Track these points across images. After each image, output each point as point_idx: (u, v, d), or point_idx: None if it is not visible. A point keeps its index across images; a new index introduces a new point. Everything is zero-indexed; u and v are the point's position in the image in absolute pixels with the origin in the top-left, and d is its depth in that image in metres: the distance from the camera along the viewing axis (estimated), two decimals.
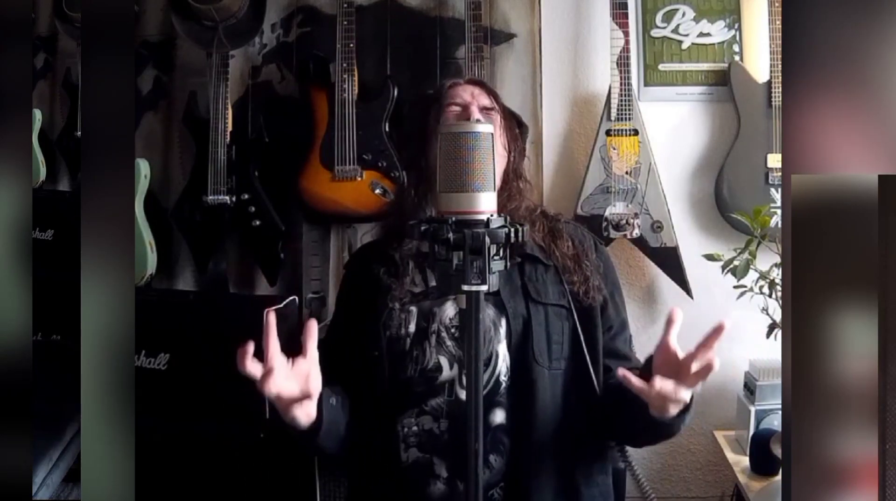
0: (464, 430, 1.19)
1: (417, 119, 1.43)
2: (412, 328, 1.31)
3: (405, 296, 1.33)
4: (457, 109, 1.39)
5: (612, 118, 2.14)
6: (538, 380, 1.28)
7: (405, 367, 1.30)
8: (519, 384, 1.28)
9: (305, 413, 1.17)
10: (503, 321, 1.30)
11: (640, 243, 2.15)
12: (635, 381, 1.13)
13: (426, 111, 1.42)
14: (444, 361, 1.30)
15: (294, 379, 1.13)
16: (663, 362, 1.16)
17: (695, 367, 1.11)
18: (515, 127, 1.45)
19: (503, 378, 1.28)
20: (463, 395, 1.26)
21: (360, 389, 1.33)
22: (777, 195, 2.10)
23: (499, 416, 1.28)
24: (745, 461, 1.90)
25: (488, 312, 1.29)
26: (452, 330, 1.30)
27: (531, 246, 1.35)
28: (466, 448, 0.94)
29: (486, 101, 1.41)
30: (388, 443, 1.29)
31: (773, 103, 2.11)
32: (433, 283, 1.33)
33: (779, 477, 1.80)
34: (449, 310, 1.31)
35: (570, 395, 1.31)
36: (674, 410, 1.17)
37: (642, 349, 2.45)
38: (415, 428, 1.28)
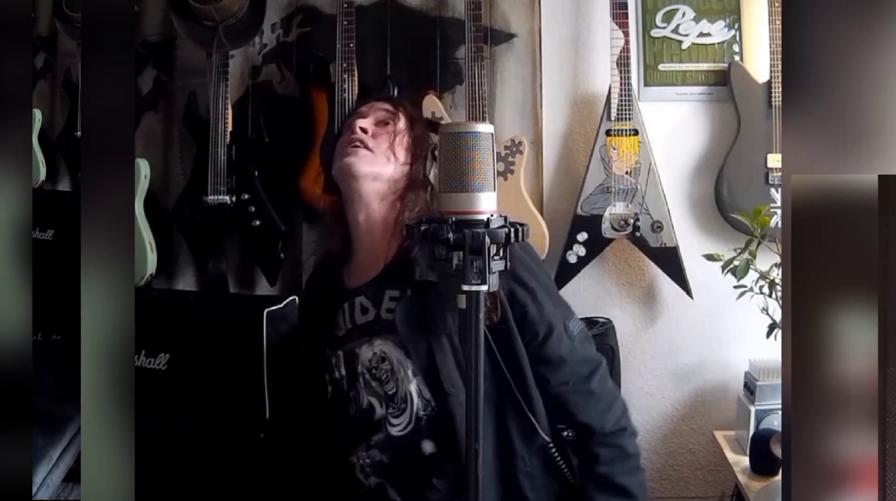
0: (402, 460, 1.30)
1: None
2: (343, 371, 1.37)
3: (331, 340, 1.38)
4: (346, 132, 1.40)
5: (612, 118, 2.14)
6: (454, 407, 1.26)
7: (348, 407, 1.37)
8: (441, 414, 1.29)
9: None
10: (409, 362, 1.30)
11: (640, 243, 2.14)
12: None
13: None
14: (374, 401, 1.34)
15: None
16: None
17: None
18: (422, 131, 1.41)
19: (422, 413, 1.30)
20: (393, 431, 1.32)
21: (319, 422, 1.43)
22: (777, 195, 2.10)
23: (428, 446, 1.30)
24: (745, 461, 1.90)
25: (395, 354, 1.31)
26: (374, 371, 1.33)
27: (422, 270, 1.29)
28: (467, 446, 0.94)
29: (377, 117, 1.39)
30: (348, 471, 1.36)
31: (773, 103, 2.11)
32: (350, 324, 1.37)
33: (779, 477, 1.80)
34: (366, 352, 1.34)
35: (502, 409, 1.30)
36: None
37: (642, 349, 2.46)
38: (368, 460, 1.35)
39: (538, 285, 1.32)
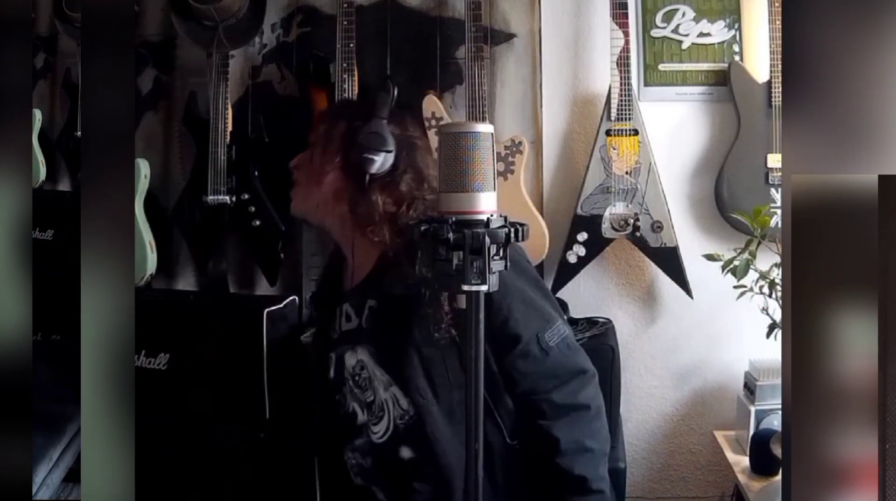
0: (384, 465, 1.32)
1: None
2: (332, 374, 1.39)
3: (328, 342, 1.40)
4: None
5: (612, 118, 2.14)
6: (425, 415, 1.29)
7: (334, 410, 1.40)
8: (416, 421, 1.30)
9: None
10: (382, 372, 1.33)
11: (640, 243, 2.14)
12: None
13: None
14: (357, 407, 1.36)
15: None
16: None
17: None
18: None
19: (399, 421, 1.31)
20: (374, 438, 1.34)
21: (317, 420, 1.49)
22: (777, 195, 2.10)
23: (406, 452, 1.32)
24: (745, 461, 1.90)
25: (371, 364, 1.34)
26: (356, 378, 1.35)
27: (390, 281, 1.31)
28: (467, 446, 0.94)
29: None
30: (339, 470, 1.40)
31: (773, 103, 2.10)
32: (345, 326, 1.37)
33: (779, 477, 1.80)
34: (350, 359, 1.36)
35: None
36: None
37: (642, 349, 2.45)
38: (354, 462, 1.37)
39: (515, 296, 1.26)
